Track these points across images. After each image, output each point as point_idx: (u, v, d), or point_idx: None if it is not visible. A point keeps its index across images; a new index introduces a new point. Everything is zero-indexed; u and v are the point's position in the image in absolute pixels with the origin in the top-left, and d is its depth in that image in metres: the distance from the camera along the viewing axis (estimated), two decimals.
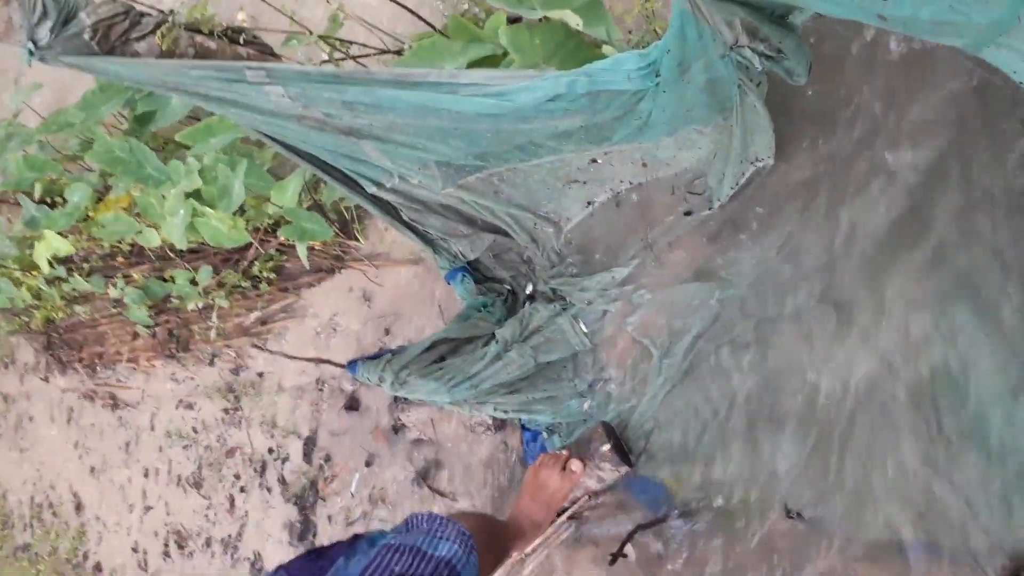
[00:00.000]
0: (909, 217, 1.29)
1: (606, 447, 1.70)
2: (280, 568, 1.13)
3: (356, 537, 1.17)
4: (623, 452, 1.72)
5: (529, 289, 1.95)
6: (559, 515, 1.80)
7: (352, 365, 1.78)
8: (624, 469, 1.70)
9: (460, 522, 1.25)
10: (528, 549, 1.86)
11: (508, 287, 1.98)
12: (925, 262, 1.26)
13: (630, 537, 1.60)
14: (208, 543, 3.06)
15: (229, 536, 2.95)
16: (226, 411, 2.96)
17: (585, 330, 1.81)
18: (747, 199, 1.51)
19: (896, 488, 1.31)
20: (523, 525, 1.72)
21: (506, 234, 1.92)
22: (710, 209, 1.60)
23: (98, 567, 3.72)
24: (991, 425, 1.21)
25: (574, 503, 1.78)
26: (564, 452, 1.75)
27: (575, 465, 1.74)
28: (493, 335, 1.86)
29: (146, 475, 3.45)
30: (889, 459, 1.32)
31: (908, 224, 1.28)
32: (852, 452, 1.36)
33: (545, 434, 1.92)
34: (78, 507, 3.96)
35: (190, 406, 3.13)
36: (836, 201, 1.39)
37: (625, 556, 1.61)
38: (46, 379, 3.98)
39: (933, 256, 1.26)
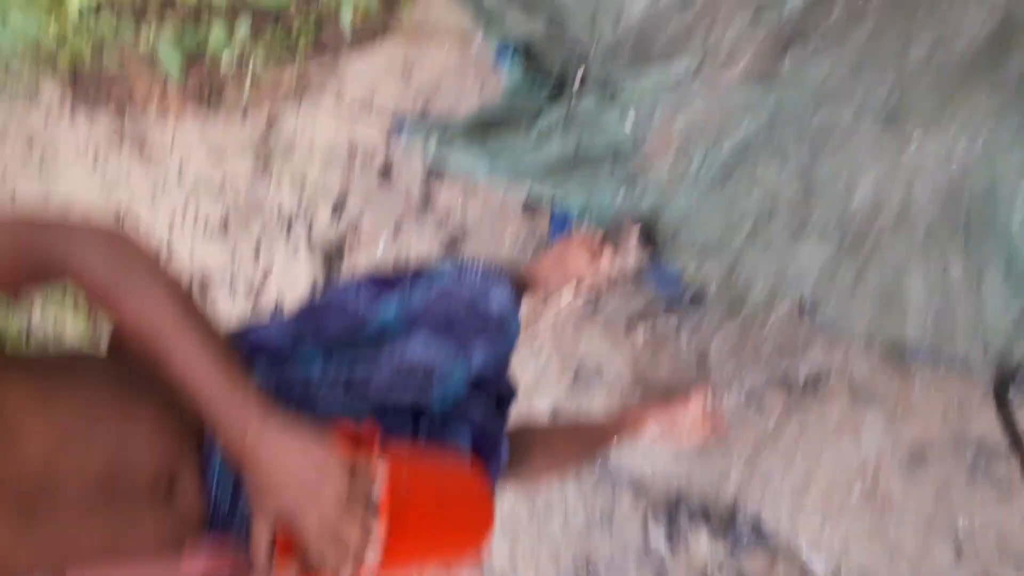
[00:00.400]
0: (998, 36, 1.29)
1: (634, 236, 1.80)
2: (350, 280, 1.24)
3: (418, 272, 1.27)
4: (650, 241, 1.83)
5: (580, 75, 1.95)
6: (576, 290, 1.95)
7: (399, 123, 1.83)
8: (648, 257, 1.82)
9: (505, 277, 1.35)
10: (544, 324, 2.04)
11: (558, 70, 1.98)
12: (1001, 85, 1.29)
13: (643, 315, 1.75)
14: (232, 289, 3.26)
15: (252, 284, 3.14)
16: (256, 167, 3.03)
17: (632, 122, 1.85)
18: (824, 5, 1.49)
19: (915, 297, 1.43)
20: (536, 281, 1.85)
21: (564, 14, 1.89)
22: (781, 15, 1.59)
23: None
24: (1021, 255, 1.30)
25: (593, 287, 1.92)
26: (598, 238, 1.86)
27: (605, 253, 1.86)
28: (538, 116, 1.90)
29: (171, 224, 3.59)
30: (915, 270, 1.43)
31: (995, 44, 1.29)
32: (880, 261, 1.48)
33: (575, 220, 2.02)
34: None
35: (220, 158, 3.20)
36: (922, 14, 1.38)
37: (635, 329, 1.77)
38: (72, 119, 3.99)
39: (1016, 82, 1.28)
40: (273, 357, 1.09)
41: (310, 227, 2.84)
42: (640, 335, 1.86)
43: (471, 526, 0.96)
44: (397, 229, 2.53)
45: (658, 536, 1.81)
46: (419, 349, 1.13)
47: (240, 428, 0.83)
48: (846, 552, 1.52)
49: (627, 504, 1.90)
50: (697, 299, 1.75)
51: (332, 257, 2.79)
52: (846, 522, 1.53)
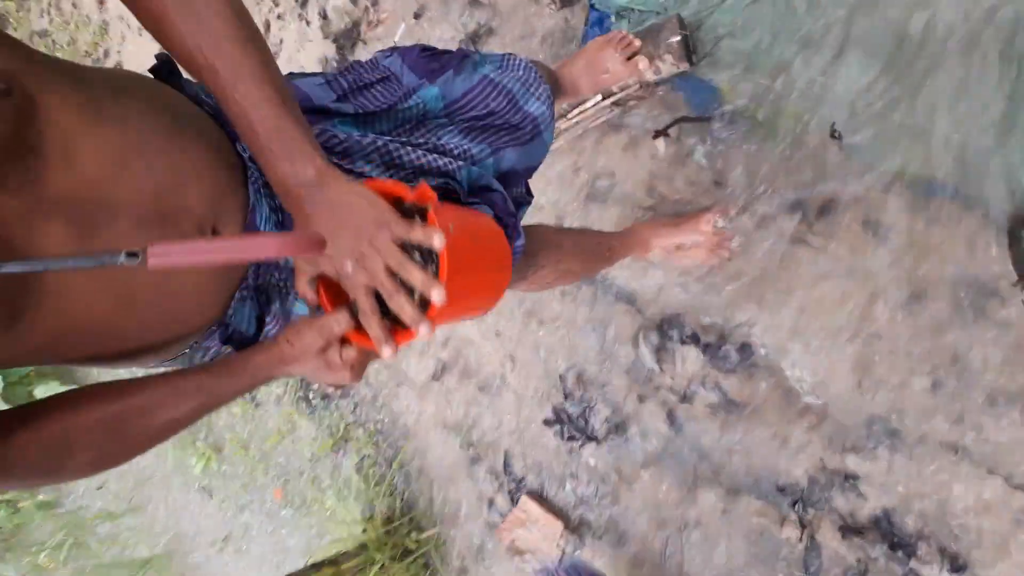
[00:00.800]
0: None
1: (675, 39, 1.70)
2: (395, 50, 1.16)
3: (465, 55, 1.20)
4: (689, 49, 1.73)
5: None
6: (605, 97, 1.86)
7: None
8: (685, 66, 1.73)
9: (544, 76, 1.27)
10: (565, 125, 1.96)
11: None
12: None
13: (671, 124, 1.68)
14: None
15: None
16: None
17: None
18: None
19: (950, 133, 1.38)
20: (565, 85, 1.79)
21: None
22: None
23: (120, 68, 3.79)
24: None
25: (624, 89, 1.83)
26: (636, 40, 1.75)
27: (641, 59, 1.75)
28: None
29: None
30: (955, 106, 1.36)
31: None
32: (922, 91, 1.41)
33: (614, 18, 1.89)
34: (101, 2, 3.90)
35: None
36: None
37: (668, 135, 1.71)
38: None
39: None
40: (315, 112, 1.04)
41: (327, 1, 2.66)
42: (661, 148, 1.80)
43: (499, 276, 0.97)
44: (420, 13, 2.38)
45: (647, 352, 1.85)
46: (453, 143, 1.09)
47: (299, 173, 0.78)
48: (829, 378, 1.56)
49: (620, 320, 1.92)
50: (728, 116, 1.68)
51: (346, 41, 2.64)
52: (834, 350, 1.56)
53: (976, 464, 1.40)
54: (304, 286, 0.83)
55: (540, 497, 2.11)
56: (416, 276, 0.77)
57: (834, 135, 1.52)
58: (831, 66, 1.55)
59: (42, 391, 4.41)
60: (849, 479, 1.54)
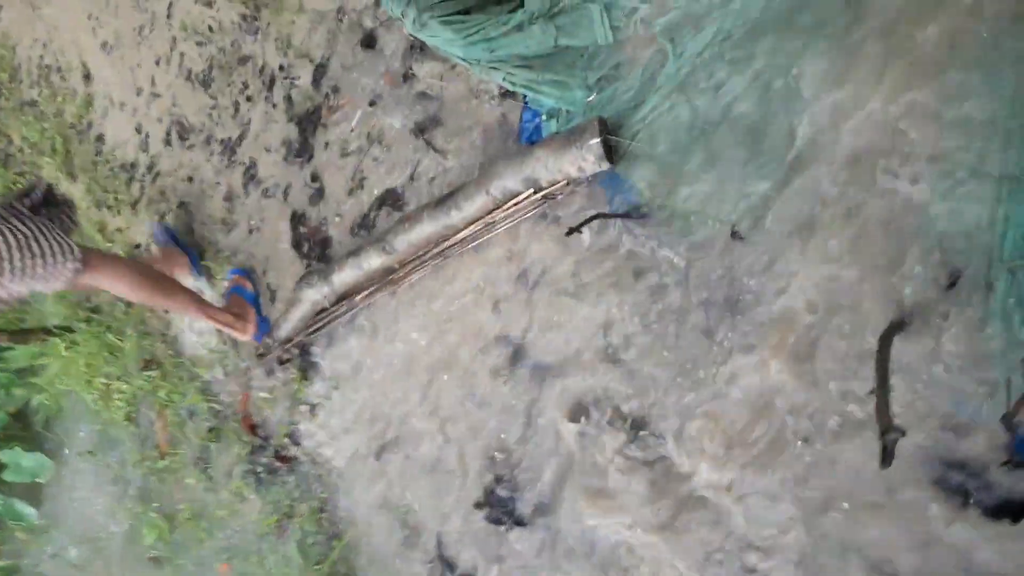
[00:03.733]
0: None
1: (595, 140, 1.79)
2: None
3: None
4: (609, 150, 1.82)
5: None
6: (536, 191, 1.95)
7: None
8: (606, 165, 1.82)
9: None
10: (501, 215, 2.04)
11: None
12: None
13: (591, 219, 1.76)
14: (208, 141, 3.23)
15: (229, 139, 3.12)
16: (244, 18, 2.95)
17: (612, 23, 1.80)
18: None
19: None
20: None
21: None
22: None
23: (101, 138, 3.93)
24: None
25: (552, 184, 1.92)
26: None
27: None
28: (521, 3, 1.85)
29: (157, 63, 3.51)
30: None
31: None
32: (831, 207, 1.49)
33: (544, 117, 2.00)
34: (87, 77, 4.06)
35: (209, 3, 3.10)
36: None
37: (580, 232, 1.79)
38: None
39: None
40: None
41: (291, 88, 2.79)
42: (586, 241, 1.88)
43: None
44: (374, 102, 2.50)
45: (570, 432, 1.89)
46: None
47: None
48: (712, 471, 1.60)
49: (547, 402, 1.96)
50: (647, 214, 1.76)
51: (308, 124, 2.75)
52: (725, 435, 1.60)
53: None
54: None
55: None
56: None
57: (735, 235, 1.59)
58: (739, 173, 1.64)
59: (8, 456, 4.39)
60: None
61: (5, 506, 4.52)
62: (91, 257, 2.17)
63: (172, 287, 2.48)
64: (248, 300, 2.77)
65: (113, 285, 2.27)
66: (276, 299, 2.82)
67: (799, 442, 1.52)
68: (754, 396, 1.59)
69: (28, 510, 4.57)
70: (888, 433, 0.99)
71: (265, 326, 2.72)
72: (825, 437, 1.49)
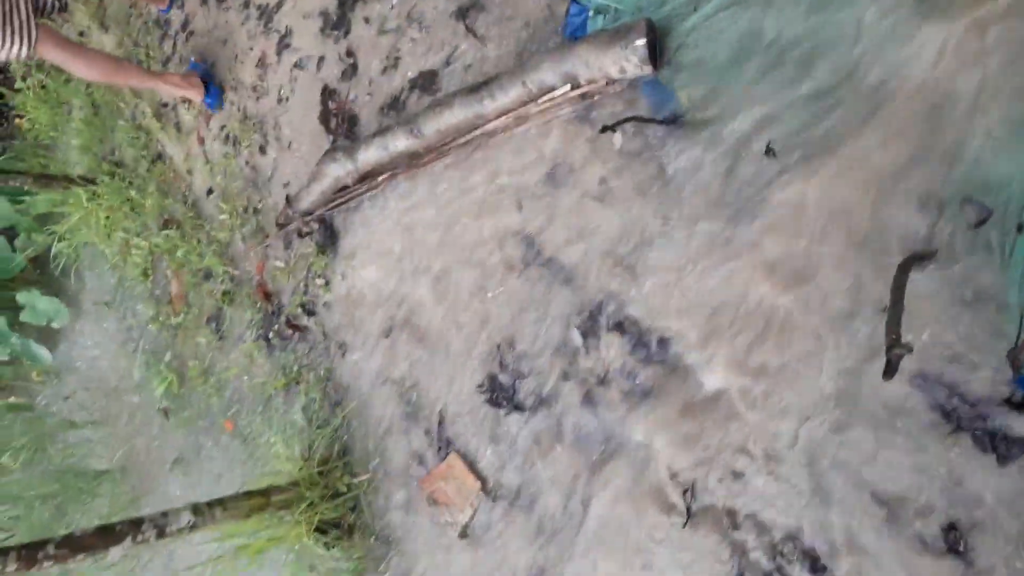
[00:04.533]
0: None
1: (641, 41, 1.77)
2: None
3: None
4: (654, 53, 1.80)
5: None
6: (573, 88, 1.93)
7: None
8: (648, 69, 1.80)
9: None
10: (534, 109, 2.04)
11: None
12: None
13: (626, 120, 1.76)
14: (246, 4, 3.18)
15: (267, 5, 3.06)
16: None
17: None
18: None
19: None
20: None
21: None
22: None
23: None
24: None
25: (590, 83, 1.91)
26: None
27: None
28: None
29: None
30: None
31: None
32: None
33: (592, 12, 1.96)
34: None
35: None
36: None
37: (614, 132, 1.79)
38: None
39: None
40: None
41: None
42: (618, 144, 1.88)
43: None
44: None
45: (576, 334, 1.95)
46: None
47: None
48: (737, 369, 1.66)
49: (559, 300, 2.02)
50: (679, 121, 1.76)
51: None
52: (737, 342, 1.66)
53: None
54: None
55: (465, 457, 2.22)
56: None
57: (769, 151, 1.60)
58: (786, 82, 1.63)
59: (25, 297, 4.52)
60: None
61: (22, 346, 4.69)
62: (49, 36, 2.62)
63: (125, 65, 3.08)
64: (198, 71, 3.24)
65: (68, 62, 2.76)
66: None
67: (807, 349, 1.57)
68: (767, 308, 1.63)
69: (43, 352, 4.74)
70: (895, 348, 1.03)
71: (216, 96, 3.22)
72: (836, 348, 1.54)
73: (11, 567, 2.22)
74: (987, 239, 1.36)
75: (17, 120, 4.90)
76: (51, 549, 2.25)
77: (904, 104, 1.46)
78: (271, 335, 2.98)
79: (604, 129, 1.76)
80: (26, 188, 3.97)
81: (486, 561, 2.14)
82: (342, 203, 2.62)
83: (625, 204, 1.89)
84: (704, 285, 1.73)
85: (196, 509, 2.44)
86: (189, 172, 3.52)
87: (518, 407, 2.08)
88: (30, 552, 2.24)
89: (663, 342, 1.80)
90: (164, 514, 2.41)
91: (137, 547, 2.35)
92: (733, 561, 1.63)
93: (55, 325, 4.68)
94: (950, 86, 1.41)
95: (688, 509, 1.70)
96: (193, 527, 2.44)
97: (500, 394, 2.13)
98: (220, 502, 2.52)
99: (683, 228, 1.78)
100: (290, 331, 2.88)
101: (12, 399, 5.02)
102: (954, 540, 1.35)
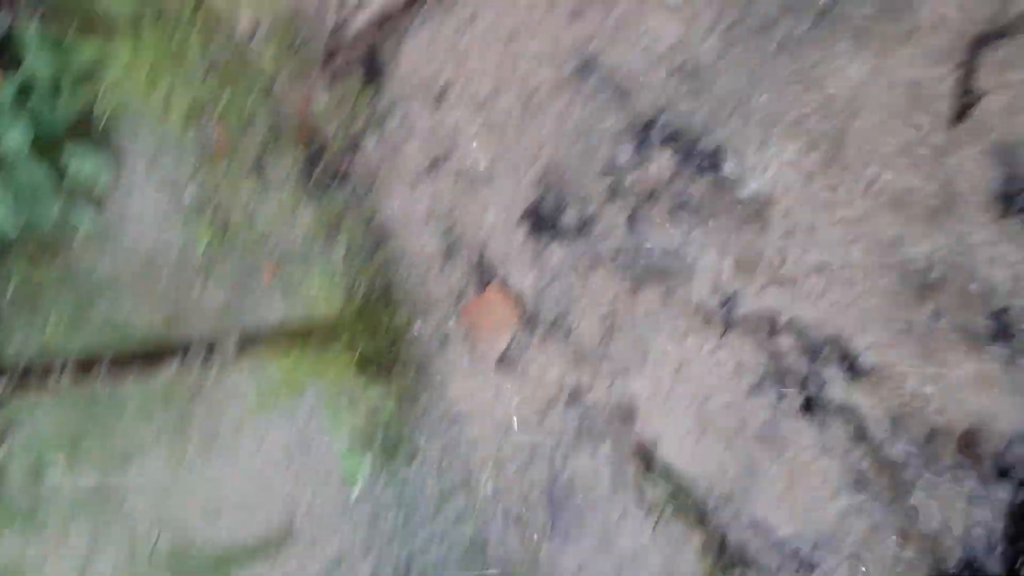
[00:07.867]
0: None
1: None
2: None
3: None
4: None
5: None
6: None
7: None
8: None
9: None
10: None
11: None
12: None
13: None
14: None
15: None
16: None
17: None
18: None
19: None
20: None
21: None
22: None
23: None
24: None
25: None
26: None
27: None
28: None
29: None
30: None
31: None
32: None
33: None
34: None
35: None
36: None
37: None
38: None
39: None
40: None
41: None
42: None
43: None
44: None
45: (626, 150, 1.88)
46: None
47: None
48: (783, 181, 1.59)
49: (607, 115, 1.94)
50: None
51: None
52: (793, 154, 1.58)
53: None
54: None
55: (504, 286, 2.20)
56: None
57: None
58: None
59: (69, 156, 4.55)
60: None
61: (65, 208, 4.75)
62: None
63: None
64: None
65: None
66: None
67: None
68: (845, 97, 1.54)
69: (86, 213, 4.80)
70: (968, 94, 0.96)
71: None
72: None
73: (66, 378, 2.30)
74: None
75: None
76: (104, 367, 2.33)
77: None
78: (313, 178, 2.96)
79: None
80: (70, 42, 3.92)
81: (523, 387, 2.15)
82: (390, 28, 2.53)
83: (691, 8, 1.78)
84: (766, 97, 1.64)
85: (241, 341, 2.49)
86: (233, 9, 3.43)
87: (560, 233, 2.03)
88: (85, 365, 2.31)
89: (715, 153, 1.73)
90: (211, 345, 2.47)
91: (183, 374, 2.41)
92: (771, 365, 1.60)
93: (98, 185, 4.72)
94: None
95: (727, 320, 1.67)
96: (238, 355, 2.50)
97: (542, 221, 2.08)
98: (262, 338, 2.57)
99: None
100: (333, 173, 2.85)
101: (56, 261, 5.13)
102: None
